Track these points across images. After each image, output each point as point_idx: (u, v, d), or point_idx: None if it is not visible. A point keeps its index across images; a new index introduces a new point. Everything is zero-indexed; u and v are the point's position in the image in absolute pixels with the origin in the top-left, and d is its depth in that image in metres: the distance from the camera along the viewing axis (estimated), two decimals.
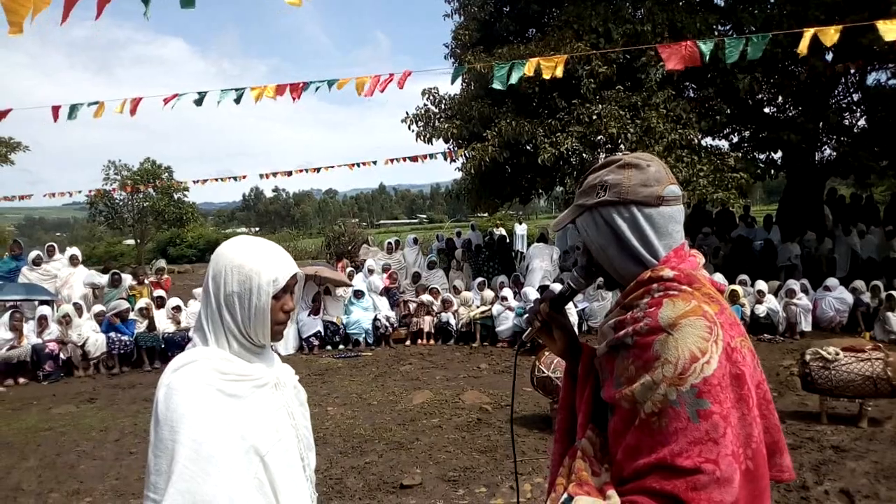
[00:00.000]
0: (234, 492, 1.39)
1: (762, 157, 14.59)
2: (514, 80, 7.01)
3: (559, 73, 7.02)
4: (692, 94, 12.79)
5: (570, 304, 9.74)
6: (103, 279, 10.80)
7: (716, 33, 11.45)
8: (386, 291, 11.32)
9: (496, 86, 7.20)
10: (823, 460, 5.09)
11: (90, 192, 23.76)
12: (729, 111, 12.22)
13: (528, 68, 6.80)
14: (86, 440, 6.17)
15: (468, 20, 13.76)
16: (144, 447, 4.64)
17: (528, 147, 11.46)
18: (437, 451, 5.64)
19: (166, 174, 29.05)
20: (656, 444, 1.18)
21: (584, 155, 10.58)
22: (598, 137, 10.51)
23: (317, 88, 7.09)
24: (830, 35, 6.87)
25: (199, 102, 7.23)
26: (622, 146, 10.27)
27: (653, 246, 1.35)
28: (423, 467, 5.26)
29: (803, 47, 6.90)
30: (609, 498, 1.22)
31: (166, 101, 7.46)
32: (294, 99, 6.90)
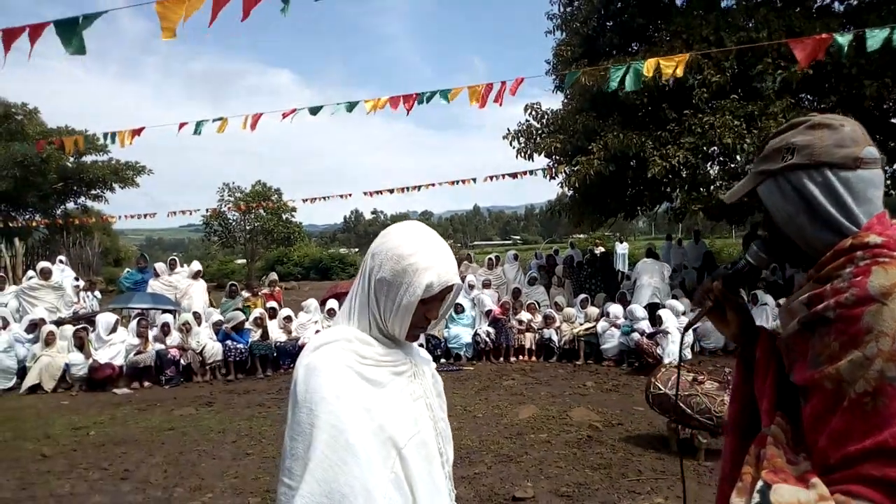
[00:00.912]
0: (372, 486, 1.28)
1: (889, 170, 13.49)
2: (629, 84, 6.76)
3: (680, 72, 6.73)
4: (812, 104, 12.04)
5: (674, 328, 9.36)
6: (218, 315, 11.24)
7: None
8: (495, 322, 10.73)
9: (612, 85, 7.00)
10: None
11: (208, 210, 25.37)
12: None
13: (648, 68, 6.57)
14: (205, 440, 6.44)
15: (570, 35, 13.64)
16: (260, 449, 4.79)
17: (635, 161, 11.13)
18: (547, 465, 5.49)
19: (276, 195, 30.58)
20: (872, 428, 1.04)
21: (697, 168, 10.12)
22: (712, 149, 10.05)
23: (429, 99, 7.19)
24: None
25: (314, 112, 7.53)
26: (737, 157, 9.79)
27: (852, 212, 1.21)
28: (534, 481, 5.12)
29: None
30: (813, 486, 1.08)
31: (285, 115, 7.83)
32: (408, 111, 7.04)
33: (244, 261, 33.16)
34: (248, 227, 31.31)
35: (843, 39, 6.41)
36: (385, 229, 1.50)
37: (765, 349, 1.37)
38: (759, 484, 1.15)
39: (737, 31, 10.66)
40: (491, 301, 11.15)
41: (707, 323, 10.08)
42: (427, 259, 1.42)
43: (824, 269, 1.22)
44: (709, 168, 10.18)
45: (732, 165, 10.32)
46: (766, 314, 10.12)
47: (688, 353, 9.19)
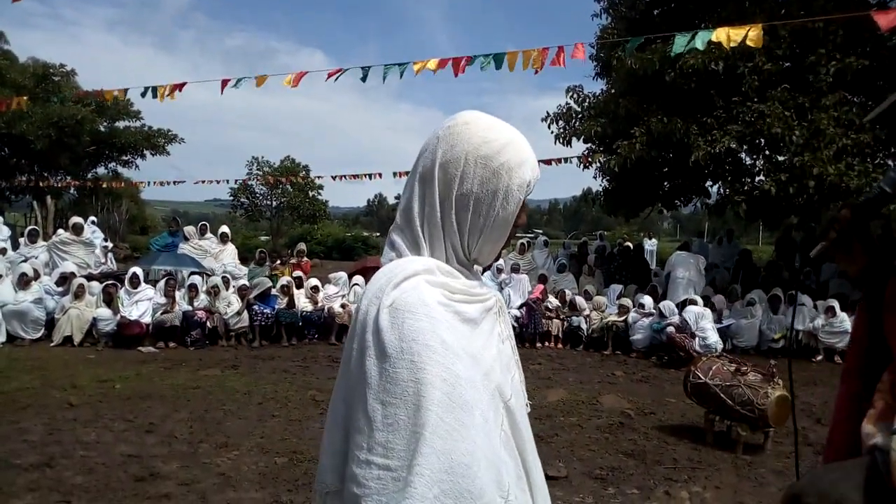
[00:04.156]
0: (490, 451, 1.01)
1: None
2: (698, 43, 6.50)
3: (750, 41, 6.40)
4: (865, 104, 11.67)
5: (709, 323, 9.13)
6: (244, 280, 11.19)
7: None
8: (529, 308, 10.34)
9: (677, 51, 6.76)
10: None
11: (237, 181, 25.56)
12: None
13: (718, 36, 6.29)
14: (231, 401, 6.37)
15: (616, 20, 13.33)
16: (286, 412, 4.66)
17: (678, 147, 10.82)
18: (579, 448, 5.35)
19: (304, 172, 30.67)
20: None
21: (742, 156, 9.81)
22: (759, 139, 9.71)
23: (483, 68, 7.01)
24: None
25: (364, 79, 7.44)
26: (784, 149, 9.45)
27: None
28: (566, 462, 4.98)
29: None
30: None
31: (330, 74, 7.72)
32: (456, 75, 6.89)
33: (268, 237, 33.32)
34: (274, 203, 31.45)
35: None
36: (437, 132, 1.14)
37: None
38: None
39: (792, 19, 10.31)
40: (527, 284, 10.98)
41: (741, 320, 9.97)
42: (519, 150, 1.13)
43: None
44: (753, 159, 9.87)
45: (780, 158, 10.00)
46: (804, 315, 9.86)
47: (719, 349, 8.96)
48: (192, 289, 9.44)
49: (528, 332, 10.22)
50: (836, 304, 9.42)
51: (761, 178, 10.35)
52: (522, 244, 13.31)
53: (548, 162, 15.39)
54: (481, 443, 0.98)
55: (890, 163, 10.84)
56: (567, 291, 11.01)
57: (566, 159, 14.88)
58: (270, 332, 9.62)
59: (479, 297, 1.13)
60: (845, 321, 9.17)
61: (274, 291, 9.82)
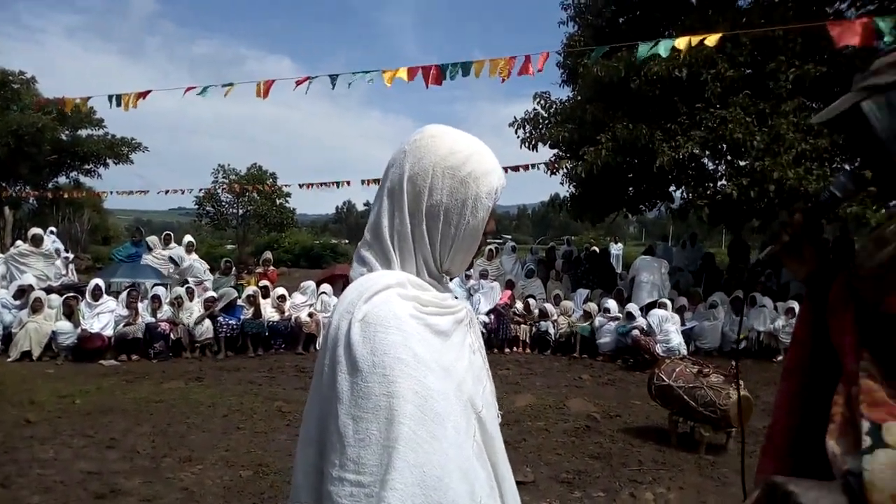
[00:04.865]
0: (463, 463, 1.01)
1: None
2: (662, 51, 6.63)
3: (708, 42, 6.55)
4: (824, 106, 12.00)
5: (674, 326, 9.28)
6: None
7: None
8: (498, 314, 10.38)
9: (641, 54, 6.88)
10: None
11: (201, 190, 25.16)
12: None
13: (680, 44, 6.42)
14: (195, 414, 6.26)
15: (583, 28, 13.51)
16: (251, 424, 4.59)
17: (643, 153, 11.03)
18: (546, 452, 5.39)
19: (271, 180, 30.35)
20: None
21: (705, 161, 10.02)
22: (721, 145, 9.92)
23: (452, 76, 7.01)
24: None
25: (333, 86, 7.42)
26: (746, 154, 9.66)
27: None
28: (533, 466, 5.01)
29: None
30: None
31: (298, 82, 7.67)
32: (427, 85, 6.90)
33: (234, 245, 32.90)
34: (240, 211, 31.07)
35: (886, 25, 6.19)
36: (403, 146, 1.16)
37: (841, 287, 1.25)
38: (867, 425, 1.02)
39: (753, 27, 10.57)
40: (498, 292, 11.03)
41: (704, 322, 10.13)
42: (485, 159, 1.15)
43: None
44: (716, 164, 10.11)
45: (741, 163, 10.25)
46: (765, 316, 10.06)
47: (683, 351, 9.09)
48: (156, 300, 9.26)
49: (496, 337, 10.26)
50: (796, 305, 9.62)
51: (723, 182, 10.59)
52: (490, 250, 13.36)
53: (516, 168, 15.50)
54: (454, 455, 0.98)
55: (846, 167, 11.13)
56: (531, 301, 11.03)
57: (534, 165, 15.02)
58: (236, 343, 9.46)
59: (450, 310, 1.14)
60: None
61: (240, 302, 9.67)
